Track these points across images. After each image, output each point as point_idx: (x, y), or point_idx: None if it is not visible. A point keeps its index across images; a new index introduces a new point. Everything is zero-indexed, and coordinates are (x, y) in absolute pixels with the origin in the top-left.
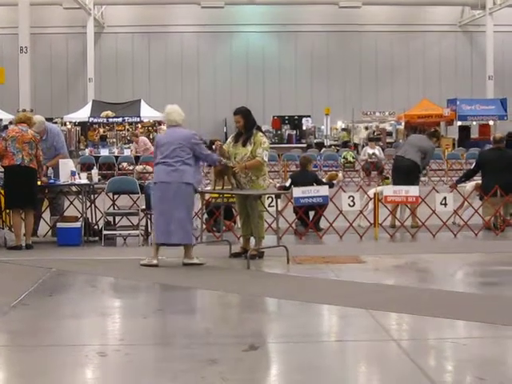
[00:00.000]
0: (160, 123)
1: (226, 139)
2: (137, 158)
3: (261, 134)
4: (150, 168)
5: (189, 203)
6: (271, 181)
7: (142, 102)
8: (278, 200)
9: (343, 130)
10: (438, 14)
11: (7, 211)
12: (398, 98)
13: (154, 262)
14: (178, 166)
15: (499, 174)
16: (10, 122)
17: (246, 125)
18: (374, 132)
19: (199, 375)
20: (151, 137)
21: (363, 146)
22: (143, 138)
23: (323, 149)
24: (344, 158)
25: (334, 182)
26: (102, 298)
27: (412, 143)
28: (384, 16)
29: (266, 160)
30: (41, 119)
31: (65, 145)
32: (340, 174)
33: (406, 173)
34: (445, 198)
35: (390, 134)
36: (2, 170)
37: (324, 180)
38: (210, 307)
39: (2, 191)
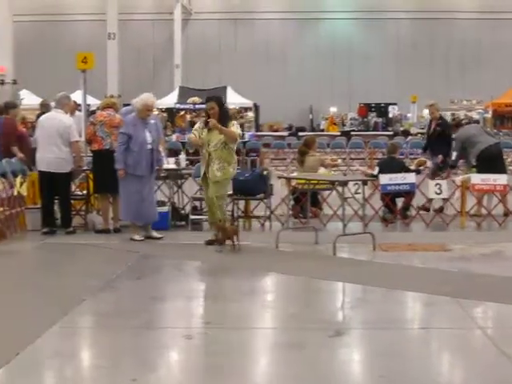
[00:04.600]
0: (247, 110)
1: (312, 126)
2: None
3: (234, 122)
4: None
5: None
6: (359, 168)
7: (229, 88)
8: (365, 187)
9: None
10: None
11: (95, 195)
12: (486, 86)
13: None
14: None
15: None
16: (98, 108)
17: (220, 116)
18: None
19: (285, 359)
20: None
21: None
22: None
23: (409, 137)
24: None
25: (421, 168)
26: (189, 281)
27: (484, 131)
28: (472, 3)
29: (240, 133)
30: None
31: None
32: (428, 162)
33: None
34: None
35: (477, 122)
36: (91, 154)
37: (412, 167)
38: (295, 293)
39: (91, 175)
